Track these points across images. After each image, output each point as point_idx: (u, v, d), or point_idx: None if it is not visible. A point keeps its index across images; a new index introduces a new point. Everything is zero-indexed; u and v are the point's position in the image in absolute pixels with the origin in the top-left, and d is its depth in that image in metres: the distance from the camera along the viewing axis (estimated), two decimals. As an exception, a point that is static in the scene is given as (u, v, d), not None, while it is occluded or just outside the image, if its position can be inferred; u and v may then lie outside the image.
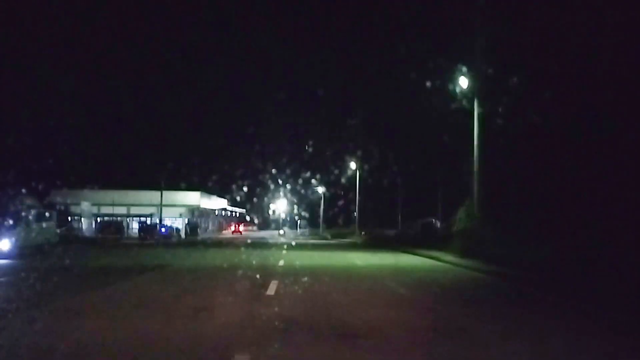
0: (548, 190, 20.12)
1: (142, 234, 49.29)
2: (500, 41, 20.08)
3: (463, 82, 21.00)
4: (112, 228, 51.00)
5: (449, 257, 20.31)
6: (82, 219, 39.38)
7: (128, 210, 68.72)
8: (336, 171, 57.59)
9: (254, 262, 18.63)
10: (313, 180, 68.53)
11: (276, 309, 8.61)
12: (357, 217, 49.17)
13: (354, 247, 34.04)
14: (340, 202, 65.30)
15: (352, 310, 8.79)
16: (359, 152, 48.26)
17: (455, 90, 21.20)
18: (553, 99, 19.25)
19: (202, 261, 20.33)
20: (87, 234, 39.33)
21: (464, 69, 20.98)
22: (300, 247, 32.97)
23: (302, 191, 71.41)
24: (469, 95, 21.12)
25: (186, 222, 65.38)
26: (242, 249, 27.57)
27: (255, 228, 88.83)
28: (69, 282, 12.22)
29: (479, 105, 20.64)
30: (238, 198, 77.58)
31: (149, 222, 60.70)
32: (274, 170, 67.90)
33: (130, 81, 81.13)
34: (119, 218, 58.90)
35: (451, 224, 23.13)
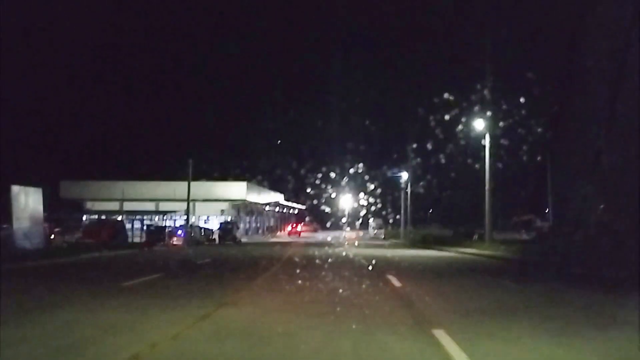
0: None
1: (148, 239, 35.04)
2: None
3: None
4: (106, 230, 34.30)
5: None
6: (14, 217, 21.99)
7: (156, 206, 55.52)
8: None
9: None
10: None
11: None
12: (487, 216, 29.33)
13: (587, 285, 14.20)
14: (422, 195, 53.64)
15: None
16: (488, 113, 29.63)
17: None
18: None
19: None
20: (28, 239, 21.92)
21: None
22: (426, 283, 13.80)
23: (373, 181, 55.91)
24: None
25: (226, 221, 49.91)
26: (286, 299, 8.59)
27: (317, 227, 72.73)
28: None
29: None
30: (296, 191, 61.06)
31: (171, 223, 46.85)
32: (338, 157, 54.39)
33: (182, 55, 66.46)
34: (123, 217, 44.11)
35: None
